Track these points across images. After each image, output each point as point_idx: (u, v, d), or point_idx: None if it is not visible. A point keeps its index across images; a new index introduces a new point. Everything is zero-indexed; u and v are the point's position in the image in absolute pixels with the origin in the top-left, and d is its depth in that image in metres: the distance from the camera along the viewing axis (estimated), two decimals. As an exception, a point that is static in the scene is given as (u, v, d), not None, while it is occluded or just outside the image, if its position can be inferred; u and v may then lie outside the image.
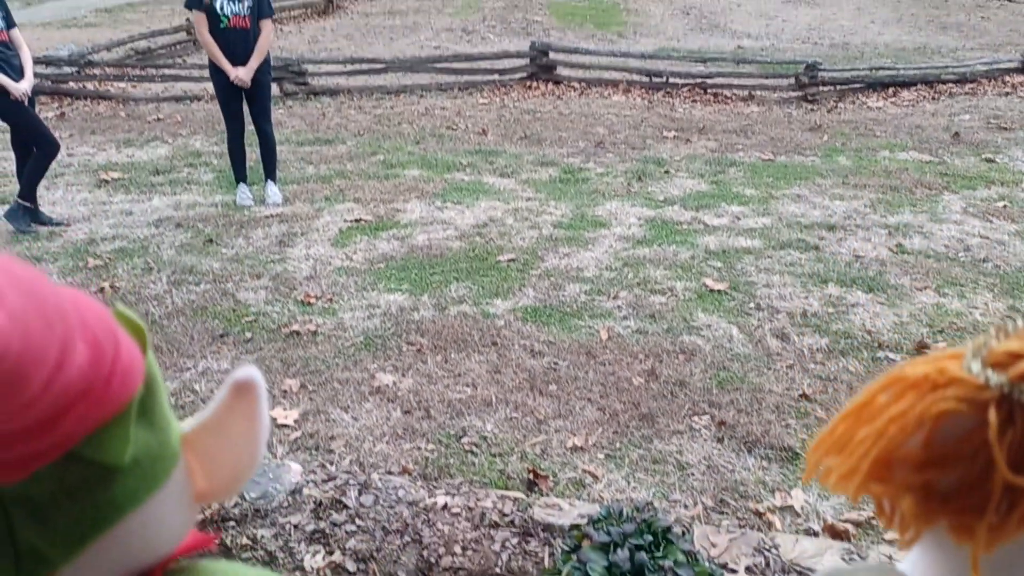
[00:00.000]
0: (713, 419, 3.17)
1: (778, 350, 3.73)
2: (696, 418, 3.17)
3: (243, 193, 5.89)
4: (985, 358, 0.57)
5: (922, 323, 4.00)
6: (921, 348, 3.70)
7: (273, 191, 5.94)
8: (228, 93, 5.54)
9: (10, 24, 5.06)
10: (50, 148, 5.19)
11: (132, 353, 0.59)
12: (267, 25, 5.54)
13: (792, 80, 9.76)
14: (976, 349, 0.58)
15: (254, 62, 5.46)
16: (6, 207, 5.43)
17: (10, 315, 0.46)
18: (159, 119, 8.72)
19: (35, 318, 0.48)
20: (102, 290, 4.28)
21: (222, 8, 5.27)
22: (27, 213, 5.23)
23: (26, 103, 5.02)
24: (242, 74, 5.40)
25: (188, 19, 13.44)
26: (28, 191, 5.22)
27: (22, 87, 4.97)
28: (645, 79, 10.36)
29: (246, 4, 5.34)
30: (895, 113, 9.04)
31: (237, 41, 5.38)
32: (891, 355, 3.67)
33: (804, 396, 3.33)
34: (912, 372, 0.60)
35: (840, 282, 4.45)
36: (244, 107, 5.68)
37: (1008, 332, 0.57)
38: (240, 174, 5.92)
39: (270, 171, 5.97)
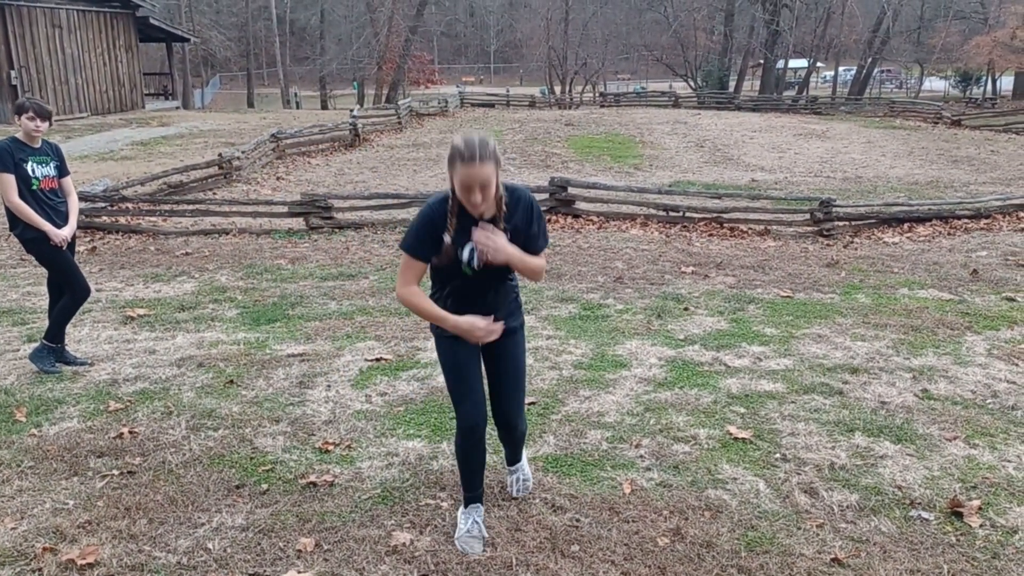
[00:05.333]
0: (742, 586, 3.04)
1: (807, 507, 3.62)
2: (724, 585, 3.05)
3: (477, 523, 3.38)
4: None
5: (954, 477, 3.88)
6: (955, 506, 3.58)
7: (525, 471, 3.75)
8: (462, 355, 3.21)
9: (63, 173, 5.29)
10: (80, 294, 5.30)
11: None
12: (539, 262, 3.18)
13: (807, 215, 9.92)
14: None
15: (503, 324, 3.20)
16: (35, 344, 5.50)
17: None
18: (187, 253, 8.93)
19: None
20: (121, 436, 4.27)
21: (464, 263, 3.09)
22: (52, 353, 5.30)
23: (64, 248, 5.17)
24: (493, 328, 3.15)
25: (220, 154, 14.00)
26: (54, 332, 5.31)
27: (62, 234, 5.13)
28: (662, 213, 10.57)
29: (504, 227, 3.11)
30: (911, 249, 9.11)
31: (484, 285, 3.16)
32: (924, 514, 3.55)
33: (836, 560, 3.20)
34: None
35: (867, 431, 4.36)
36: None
37: None
38: (475, 491, 3.42)
39: (517, 453, 3.68)
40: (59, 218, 5.19)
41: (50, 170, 5.18)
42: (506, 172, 16.73)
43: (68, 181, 5.34)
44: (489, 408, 3.31)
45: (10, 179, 4.97)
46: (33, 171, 5.07)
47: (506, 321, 3.20)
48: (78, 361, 5.40)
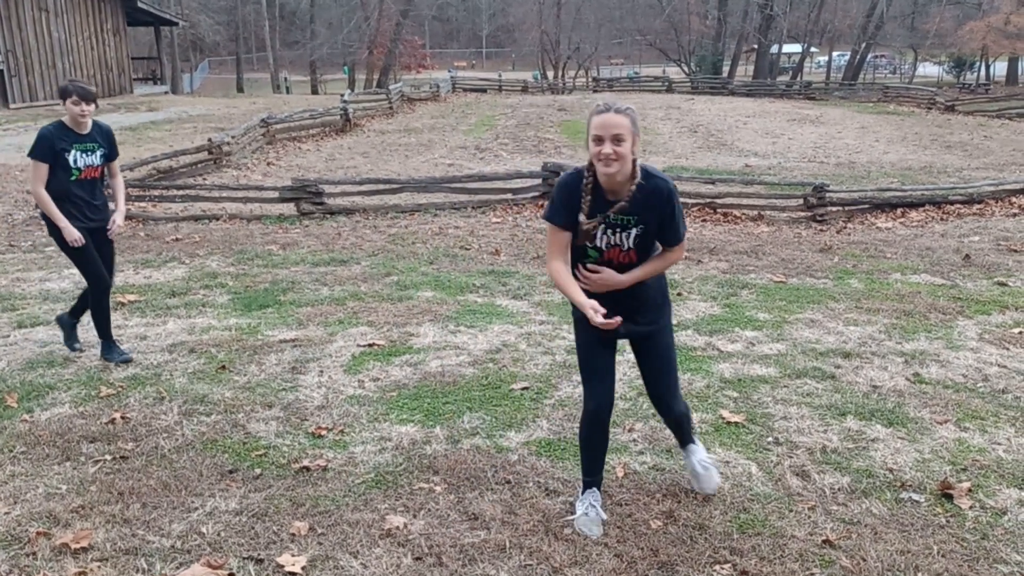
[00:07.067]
0: (735, 568, 3.06)
1: (799, 490, 3.63)
2: (717, 567, 3.06)
3: (594, 507, 3.34)
4: None
5: (944, 460, 3.90)
6: (945, 488, 3.60)
7: (700, 454, 3.61)
8: (598, 339, 3.21)
9: (111, 157, 5.08)
10: (94, 283, 5.09)
11: None
12: (663, 263, 3.20)
13: (801, 200, 9.92)
14: None
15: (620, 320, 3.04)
16: (26, 330, 5.47)
17: None
18: (177, 239, 8.89)
19: None
20: (113, 421, 4.25)
21: (591, 246, 3.15)
22: (114, 346, 5.23)
23: (81, 244, 4.89)
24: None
25: (210, 139, 13.93)
26: (103, 331, 5.19)
27: (75, 234, 4.86)
28: (655, 198, 10.56)
29: (631, 236, 3.06)
30: (904, 234, 9.13)
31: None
32: (915, 496, 3.57)
33: (828, 542, 3.22)
34: None
35: (859, 415, 4.38)
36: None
37: None
38: (594, 476, 3.39)
39: (685, 435, 3.59)
40: (92, 211, 4.98)
41: (95, 159, 4.94)
42: (498, 158, 16.70)
43: (115, 165, 5.17)
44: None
45: (42, 168, 4.78)
46: (75, 161, 4.84)
47: (650, 321, 3.21)
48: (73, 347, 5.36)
